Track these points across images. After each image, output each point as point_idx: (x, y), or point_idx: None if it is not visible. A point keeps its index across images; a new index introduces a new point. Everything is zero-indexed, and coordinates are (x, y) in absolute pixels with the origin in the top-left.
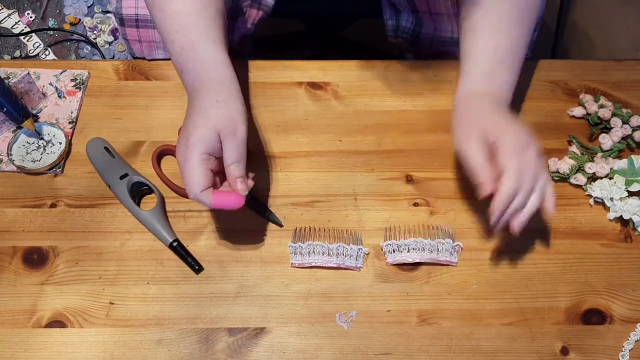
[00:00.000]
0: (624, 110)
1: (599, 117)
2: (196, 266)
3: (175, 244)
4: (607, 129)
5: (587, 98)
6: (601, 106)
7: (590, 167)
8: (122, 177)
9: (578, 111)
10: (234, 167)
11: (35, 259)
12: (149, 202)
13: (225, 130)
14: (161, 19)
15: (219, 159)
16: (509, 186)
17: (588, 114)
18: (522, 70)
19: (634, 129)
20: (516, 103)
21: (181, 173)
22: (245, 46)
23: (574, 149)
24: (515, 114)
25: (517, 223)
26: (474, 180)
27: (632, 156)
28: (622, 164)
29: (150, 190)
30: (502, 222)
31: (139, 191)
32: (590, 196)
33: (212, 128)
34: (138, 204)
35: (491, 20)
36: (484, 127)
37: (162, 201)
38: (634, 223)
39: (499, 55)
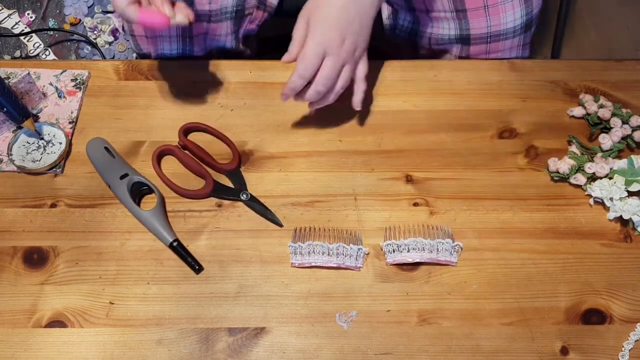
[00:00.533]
0: (624, 110)
1: (598, 117)
2: (196, 266)
3: (175, 243)
4: (607, 129)
5: (587, 98)
6: (601, 106)
7: (590, 167)
8: (122, 177)
9: (578, 111)
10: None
11: (36, 259)
12: (149, 202)
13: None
14: None
15: None
16: (292, 81)
17: (588, 114)
18: (522, 70)
19: (634, 129)
20: (516, 103)
21: None
22: (248, 46)
23: (573, 149)
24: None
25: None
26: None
27: (632, 156)
28: (622, 164)
29: (150, 190)
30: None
31: (139, 191)
32: (590, 196)
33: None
34: (138, 204)
35: None
36: (309, 17)
37: (162, 201)
38: (633, 223)
39: None
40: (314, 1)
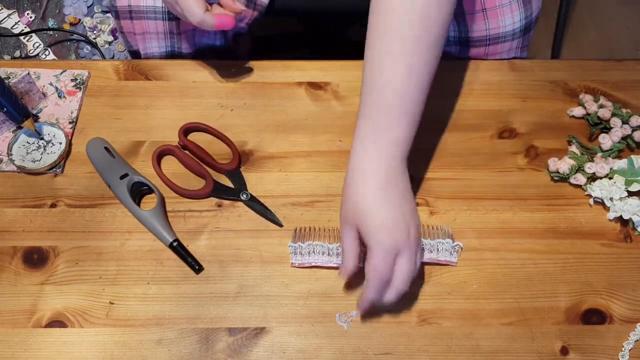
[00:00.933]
0: (624, 110)
1: (598, 117)
2: (196, 266)
3: (175, 243)
4: (607, 129)
5: (587, 98)
6: (601, 106)
7: (590, 167)
8: (122, 177)
9: (578, 111)
10: None
11: (36, 259)
12: (149, 202)
13: None
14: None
15: None
16: (369, 298)
17: (588, 114)
18: (522, 70)
19: (634, 129)
20: (516, 103)
21: (178, 5)
22: (240, 45)
23: (573, 149)
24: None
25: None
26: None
27: (632, 156)
28: (622, 164)
29: (150, 190)
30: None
31: (139, 191)
32: (590, 196)
33: None
34: (138, 204)
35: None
36: (358, 225)
37: (162, 201)
38: (633, 223)
39: (390, 99)
40: (351, 205)
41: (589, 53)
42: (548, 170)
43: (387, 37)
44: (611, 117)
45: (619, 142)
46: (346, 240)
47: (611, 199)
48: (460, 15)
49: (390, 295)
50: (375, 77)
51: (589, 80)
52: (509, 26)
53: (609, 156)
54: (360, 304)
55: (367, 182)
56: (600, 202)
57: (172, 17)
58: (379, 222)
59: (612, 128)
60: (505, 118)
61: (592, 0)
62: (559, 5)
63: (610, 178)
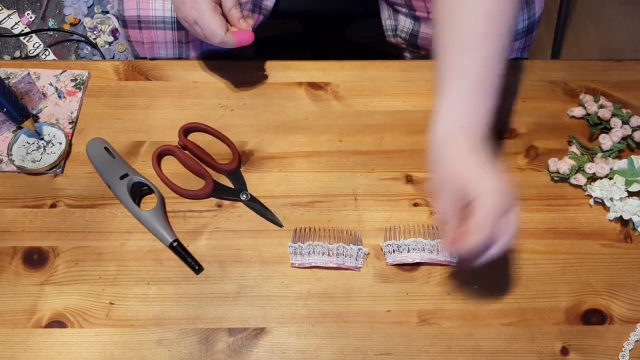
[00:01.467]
0: (624, 111)
1: (599, 118)
2: (196, 266)
3: (175, 244)
4: (607, 129)
5: (587, 98)
6: (601, 106)
7: (590, 168)
8: (122, 178)
9: (578, 111)
10: (235, 10)
11: (36, 259)
12: (149, 202)
13: None
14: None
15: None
16: (473, 244)
17: (588, 114)
18: (522, 70)
19: (634, 129)
20: (516, 103)
21: (198, 26)
22: (245, 48)
23: (573, 149)
24: (494, 153)
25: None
26: (442, 230)
27: (632, 156)
28: (622, 164)
29: (150, 191)
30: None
31: (139, 191)
32: (590, 196)
33: None
34: (138, 204)
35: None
36: (463, 184)
37: (162, 201)
38: (634, 223)
39: (481, 72)
40: (451, 166)
41: (589, 53)
42: (548, 170)
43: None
44: (611, 117)
45: (619, 143)
46: (445, 203)
47: (611, 199)
48: None
49: (495, 249)
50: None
51: (589, 81)
52: None
53: (609, 156)
54: (457, 246)
55: (468, 143)
56: (600, 203)
57: (181, 27)
58: (491, 183)
59: (612, 128)
60: (505, 118)
61: (592, 0)
62: (559, 5)
63: (611, 178)
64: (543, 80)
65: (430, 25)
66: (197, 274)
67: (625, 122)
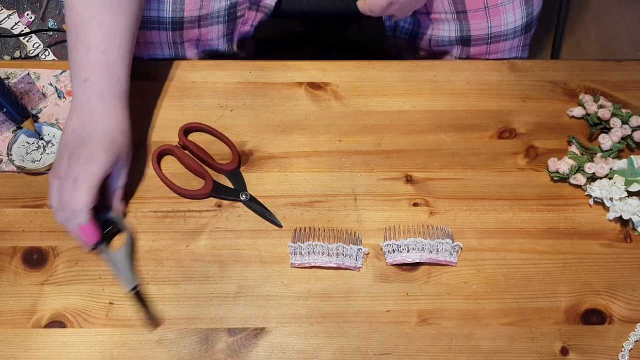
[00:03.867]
0: (624, 111)
1: (598, 118)
2: (151, 318)
3: (136, 290)
4: (607, 130)
5: (587, 99)
6: (601, 106)
7: (590, 168)
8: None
9: (578, 111)
10: (120, 191)
11: (35, 259)
12: (118, 241)
13: (123, 158)
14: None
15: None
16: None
17: (588, 115)
18: (522, 71)
19: (634, 130)
20: (516, 103)
21: (70, 186)
22: (245, 49)
23: (573, 149)
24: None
25: None
26: None
27: (632, 156)
28: (622, 164)
29: (121, 229)
30: None
31: (108, 229)
32: (590, 196)
33: (116, 154)
34: (107, 243)
35: None
36: None
37: (132, 241)
38: (633, 223)
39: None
40: None
41: (589, 53)
42: (548, 170)
43: None
44: (611, 117)
45: (619, 143)
46: None
47: (611, 199)
48: (463, 14)
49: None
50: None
51: (589, 81)
52: (511, 24)
53: (609, 156)
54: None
55: None
56: (600, 203)
57: (176, 27)
58: None
59: (612, 128)
60: (506, 118)
61: (592, 0)
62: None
63: (610, 178)
64: (543, 81)
65: (429, 26)
66: (151, 327)
67: (625, 122)
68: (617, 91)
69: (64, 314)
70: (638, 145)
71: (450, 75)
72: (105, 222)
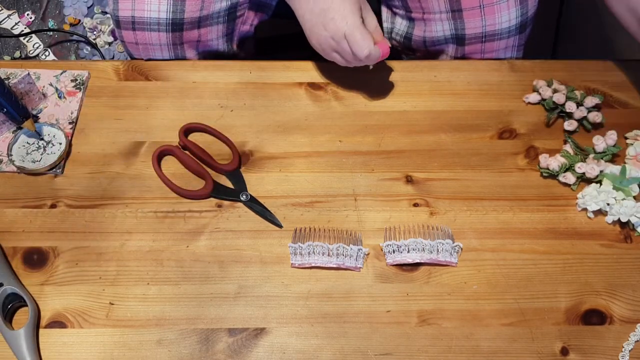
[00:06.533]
0: (578, 92)
1: (554, 102)
2: None
3: None
4: (563, 113)
5: (540, 84)
6: (555, 90)
7: (580, 167)
8: None
9: (533, 97)
10: (378, 29)
11: (35, 259)
12: (23, 316)
13: (364, 1)
14: None
15: None
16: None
17: (543, 100)
18: (522, 71)
19: (589, 110)
20: (516, 103)
21: (345, 42)
22: (245, 49)
23: (567, 147)
24: None
25: None
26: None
27: (627, 165)
28: (614, 169)
29: (25, 304)
30: None
31: (11, 304)
32: (586, 210)
33: (357, 2)
34: (10, 320)
35: None
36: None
37: (35, 318)
38: (633, 224)
39: None
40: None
41: (589, 53)
42: (539, 166)
43: None
44: (566, 101)
45: (613, 146)
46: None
47: (608, 204)
48: (458, 12)
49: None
50: None
51: (589, 81)
52: (505, 23)
53: (602, 159)
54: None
55: None
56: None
57: (176, 28)
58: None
59: (569, 112)
60: (505, 118)
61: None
62: (559, 5)
63: (598, 182)
64: (543, 81)
65: (423, 27)
66: None
67: (579, 104)
68: (617, 91)
69: (64, 314)
70: (594, 126)
71: (450, 75)
72: (8, 295)
